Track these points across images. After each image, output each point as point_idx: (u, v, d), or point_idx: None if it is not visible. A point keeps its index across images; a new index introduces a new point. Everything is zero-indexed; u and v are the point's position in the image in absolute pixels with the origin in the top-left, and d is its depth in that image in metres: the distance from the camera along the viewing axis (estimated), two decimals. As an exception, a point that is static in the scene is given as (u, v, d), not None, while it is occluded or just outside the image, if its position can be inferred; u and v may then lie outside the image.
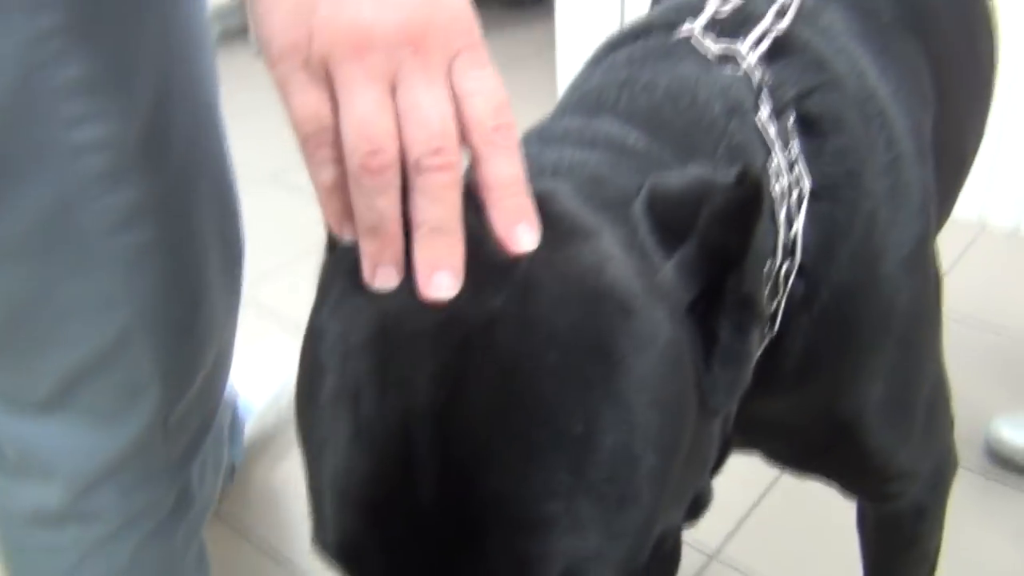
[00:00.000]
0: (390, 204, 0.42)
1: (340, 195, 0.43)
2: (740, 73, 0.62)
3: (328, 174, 0.42)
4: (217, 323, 0.73)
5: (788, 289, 0.63)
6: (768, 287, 0.62)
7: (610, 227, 0.47)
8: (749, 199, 0.45)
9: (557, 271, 0.43)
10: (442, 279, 0.42)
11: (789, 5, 0.65)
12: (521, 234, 0.43)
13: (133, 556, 0.79)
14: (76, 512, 0.75)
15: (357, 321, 0.44)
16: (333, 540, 0.43)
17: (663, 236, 0.47)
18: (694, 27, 0.65)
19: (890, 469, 0.78)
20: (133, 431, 0.71)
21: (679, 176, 0.50)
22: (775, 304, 0.63)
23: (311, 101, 0.41)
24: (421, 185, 0.41)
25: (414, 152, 0.41)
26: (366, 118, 0.41)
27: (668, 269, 0.46)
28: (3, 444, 0.74)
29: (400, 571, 0.41)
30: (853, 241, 0.64)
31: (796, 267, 0.63)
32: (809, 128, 0.63)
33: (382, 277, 0.43)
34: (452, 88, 0.42)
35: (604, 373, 0.42)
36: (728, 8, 0.66)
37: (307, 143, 0.42)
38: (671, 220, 0.47)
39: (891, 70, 0.69)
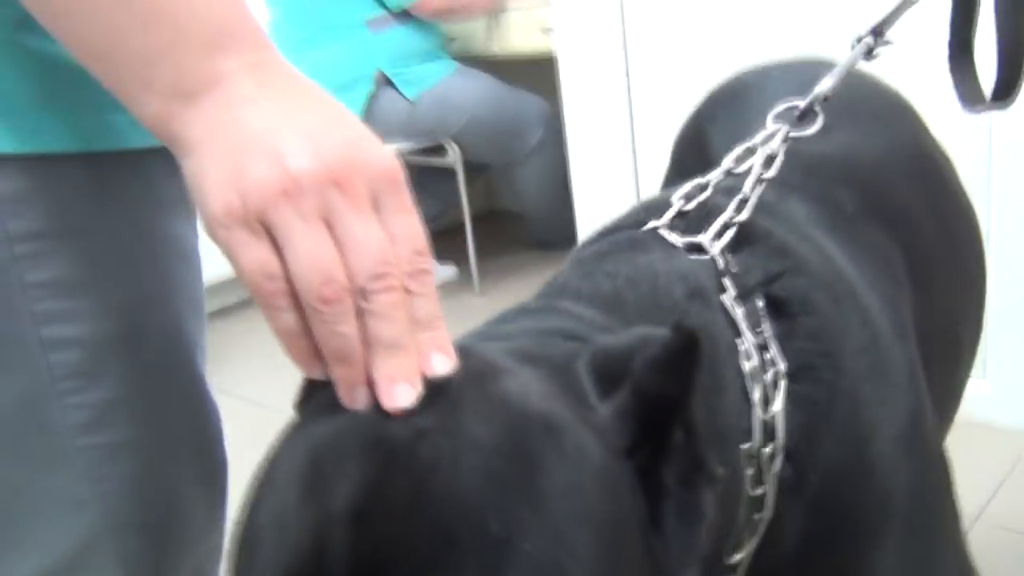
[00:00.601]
0: (352, 328, 0.45)
1: (302, 337, 0.45)
2: (704, 261, 0.65)
3: (287, 319, 0.45)
4: (193, 534, 0.72)
5: (775, 472, 0.62)
6: (752, 470, 0.61)
7: (547, 375, 0.48)
8: (685, 348, 0.46)
9: (485, 397, 0.45)
10: (402, 391, 0.44)
11: (748, 199, 0.68)
12: (436, 363, 0.46)
13: None
14: None
15: (292, 455, 0.46)
16: None
17: (602, 388, 0.48)
18: (659, 223, 0.68)
19: None
20: None
21: (623, 336, 0.52)
22: (763, 488, 0.61)
23: (256, 255, 0.45)
24: (371, 309, 0.45)
25: (359, 279, 0.45)
26: (312, 253, 0.44)
27: (602, 410, 0.47)
28: None
29: None
30: (837, 422, 0.63)
31: (781, 450, 0.62)
32: (778, 311, 0.65)
33: (360, 397, 0.45)
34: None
35: (525, 477, 0.42)
36: (692, 205, 0.69)
37: (260, 293, 0.45)
38: (610, 373, 0.49)
39: (858, 255, 0.71)
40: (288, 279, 0.45)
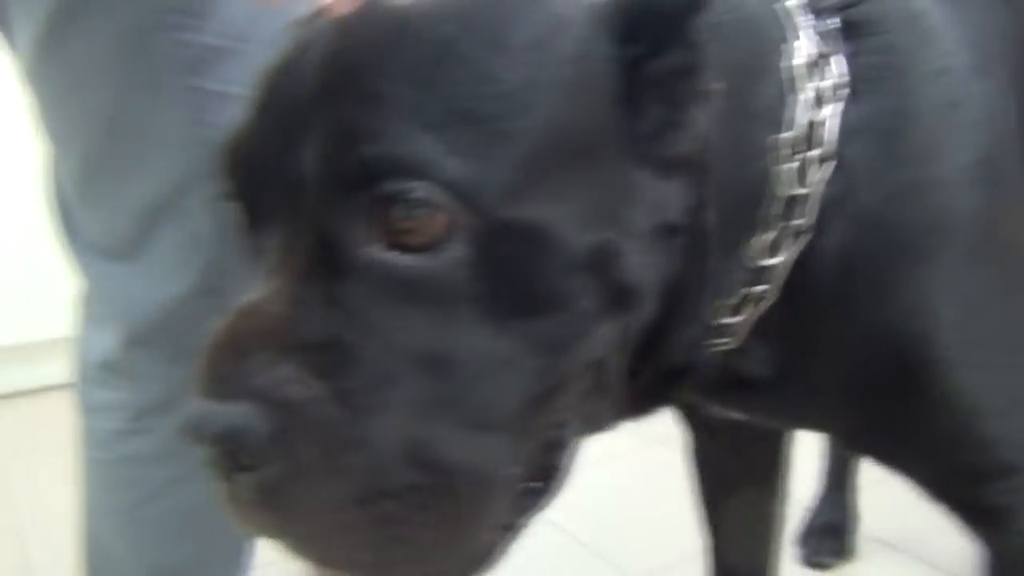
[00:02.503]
0: None
1: None
2: None
3: None
4: None
5: (822, 178, 0.62)
6: (782, 159, 0.61)
7: None
8: None
9: None
10: None
11: None
12: None
13: None
14: (128, 366, 0.78)
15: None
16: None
17: None
18: None
19: (990, 449, 0.66)
20: (189, 284, 0.74)
21: None
22: (804, 189, 0.61)
23: None
24: None
25: None
26: None
27: None
28: (90, 290, 0.80)
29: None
30: (897, 140, 0.62)
31: (826, 155, 0.61)
32: (852, 31, 0.64)
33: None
34: None
35: (496, 21, 0.50)
36: None
37: None
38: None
39: None
40: None
